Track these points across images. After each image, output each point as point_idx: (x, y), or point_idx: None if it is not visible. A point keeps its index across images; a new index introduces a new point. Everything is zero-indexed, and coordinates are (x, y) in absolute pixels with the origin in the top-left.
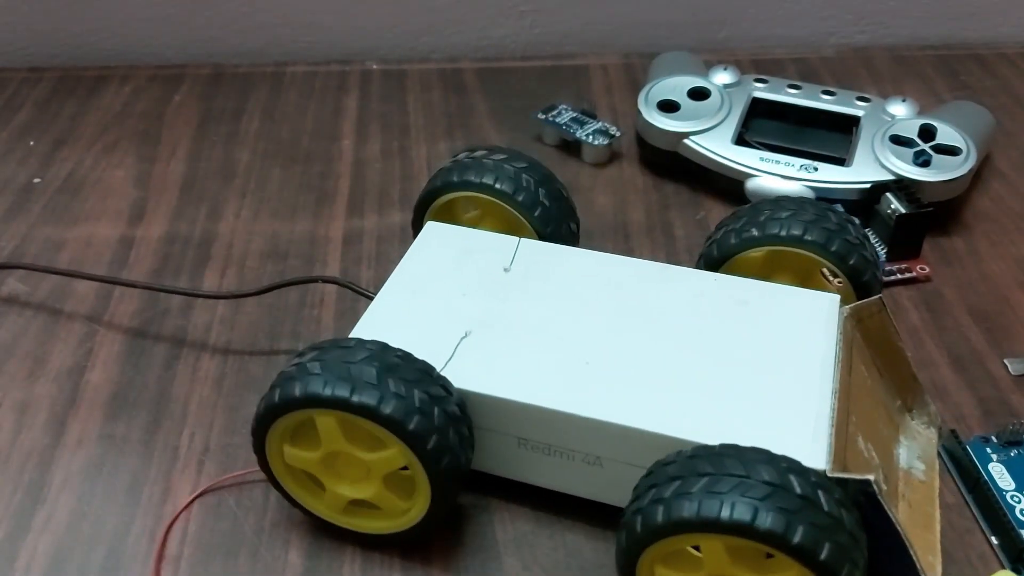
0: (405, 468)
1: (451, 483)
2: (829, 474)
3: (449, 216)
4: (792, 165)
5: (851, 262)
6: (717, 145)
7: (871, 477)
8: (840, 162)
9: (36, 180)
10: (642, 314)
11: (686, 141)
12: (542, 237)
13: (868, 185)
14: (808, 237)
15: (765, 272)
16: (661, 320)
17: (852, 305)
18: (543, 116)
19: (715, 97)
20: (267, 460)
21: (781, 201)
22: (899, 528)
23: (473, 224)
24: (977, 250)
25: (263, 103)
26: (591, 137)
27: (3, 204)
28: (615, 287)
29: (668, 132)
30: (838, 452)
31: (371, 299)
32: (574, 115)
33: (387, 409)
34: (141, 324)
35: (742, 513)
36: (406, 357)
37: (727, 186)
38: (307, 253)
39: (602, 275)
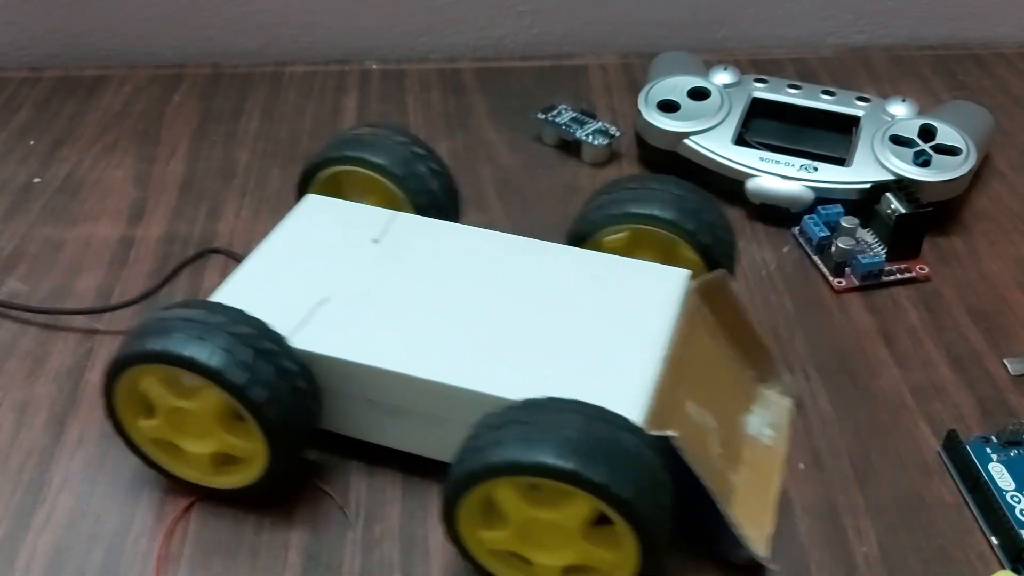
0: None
1: (287, 437)
2: (646, 431)
3: (335, 190)
4: (792, 165)
5: (704, 241)
6: (717, 145)
7: (674, 433)
8: (840, 162)
9: (36, 180)
10: (498, 285)
11: (686, 141)
12: (419, 209)
13: (868, 185)
14: (663, 216)
15: (629, 248)
16: (516, 290)
17: (696, 280)
18: (543, 116)
19: (715, 97)
20: (113, 390)
21: (643, 180)
22: (703, 481)
23: (357, 198)
24: (976, 250)
25: (262, 103)
26: (591, 137)
27: (3, 204)
28: (479, 259)
29: (668, 132)
30: (659, 413)
31: None
32: (574, 115)
33: (212, 362)
34: None
35: (518, 454)
36: (237, 314)
37: (727, 186)
38: None
39: (469, 248)
